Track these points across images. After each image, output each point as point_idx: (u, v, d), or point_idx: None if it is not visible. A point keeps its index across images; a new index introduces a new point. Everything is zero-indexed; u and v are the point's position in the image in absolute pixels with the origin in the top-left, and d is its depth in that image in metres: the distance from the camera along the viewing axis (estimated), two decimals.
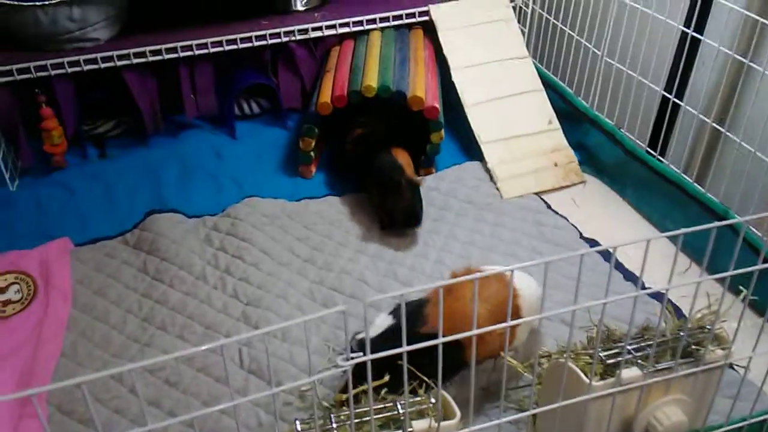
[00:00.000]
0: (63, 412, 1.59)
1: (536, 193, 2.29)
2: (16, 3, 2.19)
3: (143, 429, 0.79)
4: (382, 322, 1.47)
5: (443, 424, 1.06)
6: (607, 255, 1.99)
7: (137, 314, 1.88)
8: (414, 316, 1.35)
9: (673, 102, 2.13)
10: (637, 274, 1.93)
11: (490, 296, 1.47)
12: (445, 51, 2.48)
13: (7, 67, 2.22)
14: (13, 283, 1.91)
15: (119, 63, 2.33)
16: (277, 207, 2.24)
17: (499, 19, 2.59)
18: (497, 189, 2.29)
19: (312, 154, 2.38)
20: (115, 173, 2.43)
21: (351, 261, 2.05)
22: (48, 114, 2.33)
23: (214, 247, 2.09)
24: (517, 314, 1.47)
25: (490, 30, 2.56)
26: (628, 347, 1.17)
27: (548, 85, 2.54)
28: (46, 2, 2.21)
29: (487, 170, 2.35)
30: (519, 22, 2.65)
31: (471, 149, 2.44)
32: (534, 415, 1.40)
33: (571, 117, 2.48)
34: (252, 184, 2.37)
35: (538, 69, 2.56)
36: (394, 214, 2.10)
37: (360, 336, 1.42)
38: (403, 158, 2.18)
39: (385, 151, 2.19)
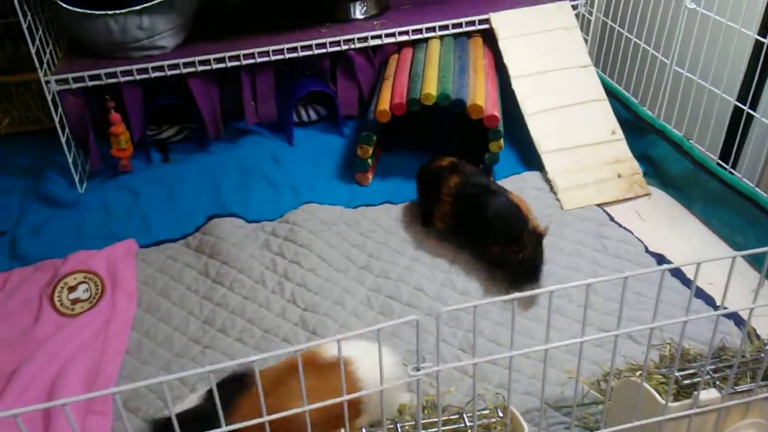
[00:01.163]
0: (128, 410, 1.63)
1: (598, 205, 2.23)
2: (88, 12, 2.27)
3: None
4: (191, 399, 1.30)
5: None
6: (675, 271, 1.92)
7: (198, 316, 1.91)
8: (226, 400, 1.03)
9: (747, 113, 2.05)
10: (707, 291, 1.85)
11: (327, 389, 1.14)
12: (506, 59, 2.45)
13: (80, 74, 2.31)
14: (82, 282, 1.97)
15: (185, 70, 2.40)
16: (334, 214, 2.25)
17: (561, 26, 2.54)
18: (557, 199, 2.25)
19: (369, 161, 2.38)
20: (178, 177, 2.49)
21: (408, 269, 2.04)
22: (116, 119, 2.41)
23: (272, 252, 2.11)
24: (355, 406, 1.19)
25: (551, 38, 2.52)
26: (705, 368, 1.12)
27: (612, 95, 2.48)
28: (117, 12, 2.29)
29: (547, 180, 2.30)
30: (581, 29, 2.60)
31: (530, 159, 2.40)
32: None
33: (635, 127, 2.41)
34: (309, 191, 2.39)
35: (601, 78, 2.50)
36: (514, 268, 1.84)
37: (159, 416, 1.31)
38: (521, 203, 1.92)
39: (499, 196, 1.93)
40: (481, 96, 2.23)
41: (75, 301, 1.93)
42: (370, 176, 2.43)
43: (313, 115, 2.77)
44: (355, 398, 1.12)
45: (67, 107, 2.34)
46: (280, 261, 2.08)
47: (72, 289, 1.96)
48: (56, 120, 2.29)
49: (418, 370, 0.92)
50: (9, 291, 1.98)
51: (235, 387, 1.28)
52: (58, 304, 1.91)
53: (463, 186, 2.00)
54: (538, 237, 1.81)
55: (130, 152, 2.50)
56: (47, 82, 2.26)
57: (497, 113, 2.22)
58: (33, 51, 2.16)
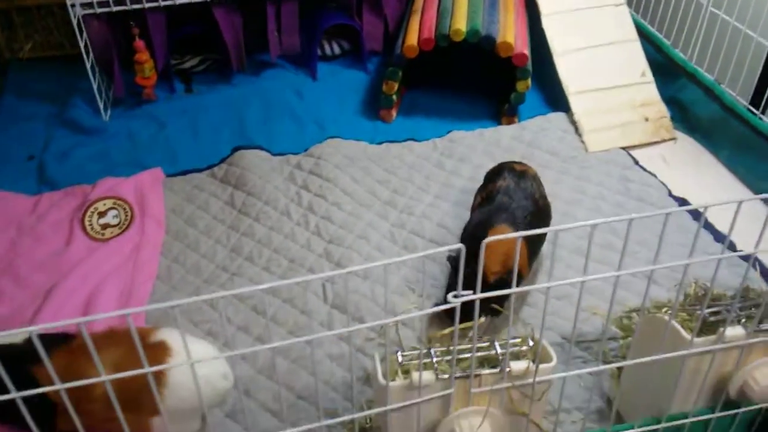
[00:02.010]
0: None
1: (623, 148, 2.22)
2: None
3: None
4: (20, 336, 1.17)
5: (541, 366, 1.08)
6: (697, 215, 1.93)
7: (225, 245, 1.95)
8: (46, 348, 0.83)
9: None
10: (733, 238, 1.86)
11: (118, 362, 1.12)
12: None
13: None
14: (111, 208, 2.01)
15: None
16: (358, 149, 2.26)
17: None
18: (582, 141, 2.24)
19: (394, 97, 2.37)
20: (201, 108, 2.49)
21: (431, 206, 2.06)
22: (141, 46, 2.39)
23: (297, 185, 2.14)
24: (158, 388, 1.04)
25: None
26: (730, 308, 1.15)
27: (643, 36, 2.42)
28: None
29: (573, 122, 2.29)
30: None
31: (556, 100, 2.38)
32: (620, 369, 1.40)
33: (665, 70, 2.37)
34: (333, 126, 2.39)
35: (633, 18, 2.44)
36: None
37: None
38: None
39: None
40: (511, 33, 2.19)
41: (105, 227, 1.97)
42: (394, 113, 2.42)
43: (337, 50, 2.73)
44: (158, 379, 1.11)
45: (91, 33, 2.32)
46: (304, 194, 2.10)
47: (102, 214, 2.00)
48: (81, 45, 2.27)
49: (456, 297, 0.95)
50: (40, 214, 2.02)
51: (59, 341, 1.21)
52: (88, 228, 1.96)
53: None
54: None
55: (153, 81, 2.50)
56: (72, 5, 2.23)
57: (527, 51, 2.19)
58: None
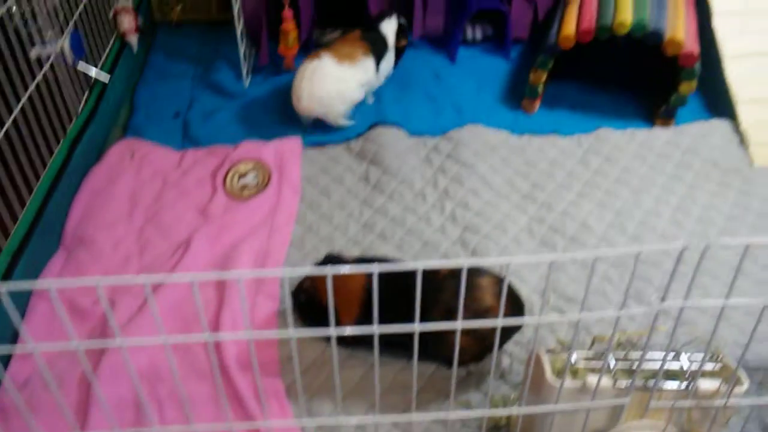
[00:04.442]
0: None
1: None
2: None
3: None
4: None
5: (736, 389, 0.96)
6: None
7: (358, 219, 1.93)
8: None
9: None
10: None
11: None
12: None
13: None
14: (252, 170, 2.03)
15: None
16: (499, 138, 2.17)
17: None
18: (748, 154, 2.05)
19: (540, 88, 2.26)
20: None
21: (573, 204, 1.95)
22: (288, 16, 2.41)
23: (433, 168, 2.08)
24: None
25: None
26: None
27: None
28: None
29: (739, 132, 2.10)
30: None
31: (720, 106, 2.19)
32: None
33: None
34: (471, 111, 2.32)
35: None
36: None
37: None
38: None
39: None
40: (682, 30, 2.03)
41: (243, 187, 2.00)
42: (537, 104, 2.32)
43: (479, 35, 2.65)
44: None
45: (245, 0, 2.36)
46: (441, 178, 2.04)
47: (242, 175, 2.02)
48: (235, 11, 2.31)
49: (663, 300, 0.86)
50: (185, 169, 2.07)
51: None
52: (229, 187, 1.99)
53: None
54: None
55: (295, 51, 2.51)
56: None
57: (696, 51, 2.02)
58: None
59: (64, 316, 0.81)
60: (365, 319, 1.38)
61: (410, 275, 0.82)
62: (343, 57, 2.18)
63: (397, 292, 1.16)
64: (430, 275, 1.34)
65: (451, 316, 1.29)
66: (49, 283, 0.77)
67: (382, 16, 2.34)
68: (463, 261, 0.80)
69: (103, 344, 0.94)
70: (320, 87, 2.13)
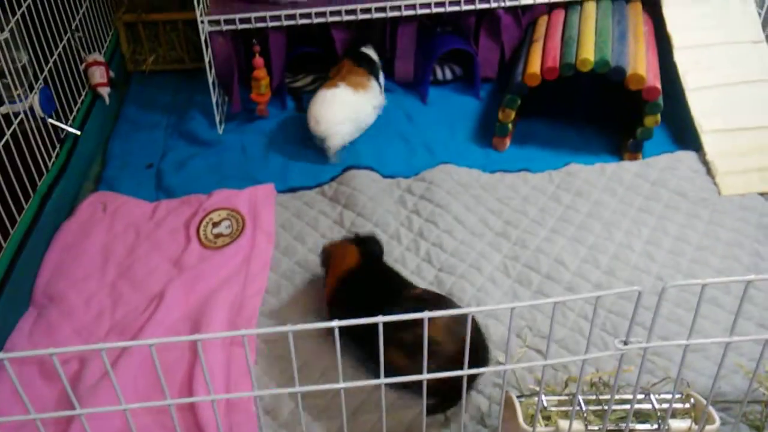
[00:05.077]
0: (266, 342, 1.68)
1: (761, 194, 2.05)
2: None
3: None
4: None
5: (707, 428, 0.96)
6: None
7: None
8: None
9: None
10: None
11: None
12: (669, 28, 2.27)
13: (231, 16, 2.34)
14: (225, 219, 2.03)
15: (330, 19, 2.38)
16: (471, 177, 2.20)
17: None
18: (715, 184, 2.08)
19: (509, 126, 2.30)
20: None
21: (547, 240, 1.96)
22: (260, 64, 2.44)
23: (407, 209, 2.09)
24: None
25: (722, 8, 2.31)
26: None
27: None
28: None
29: (705, 162, 2.14)
30: (756, 2, 2.37)
31: (685, 137, 2.24)
32: None
33: None
34: (443, 151, 2.35)
35: None
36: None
37: None
38: None
39: None
40: (643, 65, 2.08)
41: (217, 236, 1.99)
42: (507, 142, 2.35)
43: (449, 75, 2.70)
44: None
45: (216, 49, 2.39)
46: (415, 219, 2.05)
47: (216, 224, 2.02)
48: (206, 60, 2.34)
49: (626, 344, 0.86)
50: (158, 220, 2.06)
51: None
52: (203, 237, 1.98)
53: None
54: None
55: (268, 97, 2.54)
56: (201, 22, 2.30)
57: (658, 85, 2.07)
58: None
59: (19, 388, 0.80)
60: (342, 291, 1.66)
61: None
62: (357, 86, 2.32)
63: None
64: (397, 292, 1.60)
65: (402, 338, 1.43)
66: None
67: (356, 44, 2.48)
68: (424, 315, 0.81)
69: (63, 414, 0.92)
70: (340, 112, 2.26)
